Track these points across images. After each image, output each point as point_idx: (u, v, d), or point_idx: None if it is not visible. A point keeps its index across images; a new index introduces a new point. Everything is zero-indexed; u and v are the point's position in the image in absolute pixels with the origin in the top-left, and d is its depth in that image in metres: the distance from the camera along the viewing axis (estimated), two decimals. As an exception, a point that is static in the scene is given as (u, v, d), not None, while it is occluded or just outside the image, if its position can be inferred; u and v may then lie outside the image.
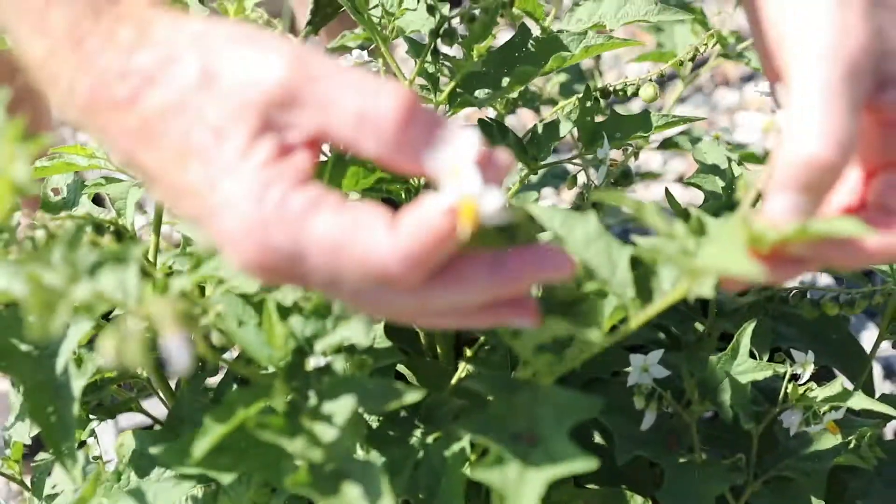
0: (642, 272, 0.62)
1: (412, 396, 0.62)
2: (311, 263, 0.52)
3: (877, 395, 1.35)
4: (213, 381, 1.01)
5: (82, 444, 1.12)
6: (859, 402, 0.94)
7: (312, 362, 0.66)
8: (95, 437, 1.10)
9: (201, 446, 0.61)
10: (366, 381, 0.64)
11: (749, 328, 0.98)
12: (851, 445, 1.02)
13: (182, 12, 0.57)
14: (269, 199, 0.52)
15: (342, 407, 0.63)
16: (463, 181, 0.51)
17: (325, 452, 0.61)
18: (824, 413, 0.95)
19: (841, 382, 0.96)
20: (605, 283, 0.62)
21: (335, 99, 0.53)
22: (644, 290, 0.62)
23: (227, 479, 0.68)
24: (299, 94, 0.53)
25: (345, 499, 0.59)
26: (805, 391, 0.95)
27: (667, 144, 1.26)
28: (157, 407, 1.12)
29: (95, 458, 1.12)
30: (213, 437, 0.61)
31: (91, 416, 1.07)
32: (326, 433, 0.62)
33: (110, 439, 1.30)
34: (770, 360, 1.06)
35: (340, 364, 0.67)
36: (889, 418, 1.12)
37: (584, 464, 0.60)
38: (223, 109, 0.53)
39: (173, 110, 0.53)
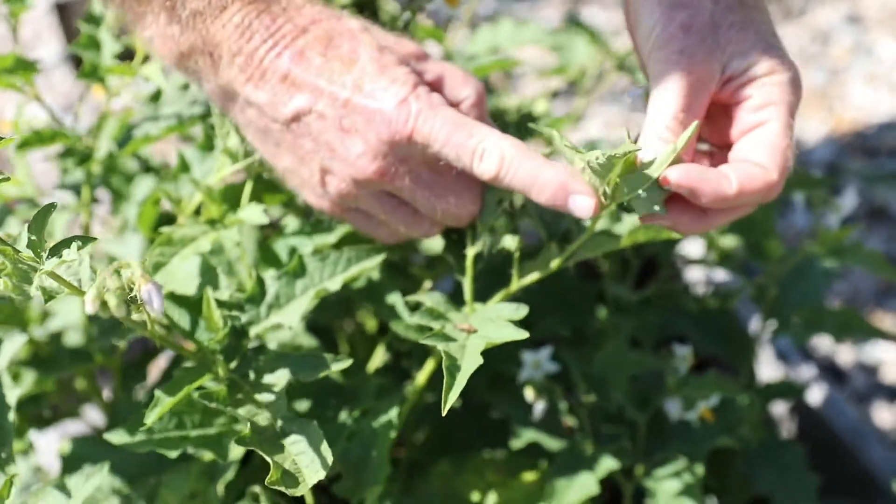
0: None
1: (339, 365, 0.71)
2: (432, 133, 0.77)
3: (766, 378, 1.47)
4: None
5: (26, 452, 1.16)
6: (729, 391, 1.04)
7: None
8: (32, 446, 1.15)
9: (153, 415, 0.68)
10: (298, 354, 0.72)
11: (631, 325, 1.08)
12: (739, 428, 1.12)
13: None
14: (418, 90, 0.78)
15: (279, 377, 0.72)
16: None
17: (267, 414, 0.69)
18: (697, 402, 1.05)
19: (713, 373, 1.06)
20: None
21: (446, 63, 0.84)
22: None
23: (174, 454, 0.75)
24: (427, 57, 0.83)
25: (288, 454, 0.68)
26: (682, 382, 1.05)
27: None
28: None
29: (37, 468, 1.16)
30: (164, 408, 0.68)
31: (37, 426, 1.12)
32: (268, 399, 0.70)
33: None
34: (660, 350, 1.16)
35: (274, 345, 0.75)
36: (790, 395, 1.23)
37: (514, 333, 0.75)
38: (389, 40, 0.82)
39: (359, 37, 0.80)
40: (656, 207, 0.76)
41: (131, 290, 0.61)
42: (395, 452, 1.11)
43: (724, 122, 0.82)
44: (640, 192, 0.75)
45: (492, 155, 0.77)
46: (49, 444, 1.32)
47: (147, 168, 1.22)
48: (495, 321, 0.77)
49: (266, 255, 0.90)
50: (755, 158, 0.78)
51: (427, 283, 1.02)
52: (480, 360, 0.72)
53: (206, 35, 0.78)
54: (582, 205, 0.77)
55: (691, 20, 0.78)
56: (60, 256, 0.59)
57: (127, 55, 1.04)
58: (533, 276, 0.84)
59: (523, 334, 0.74)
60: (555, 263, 0.83)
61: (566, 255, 0.83)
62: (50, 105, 1.06)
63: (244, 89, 0.79)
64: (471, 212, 0.83)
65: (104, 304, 0.60)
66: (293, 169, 0.83)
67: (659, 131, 0.77)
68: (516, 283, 0.85)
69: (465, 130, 0.77)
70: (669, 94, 0.77)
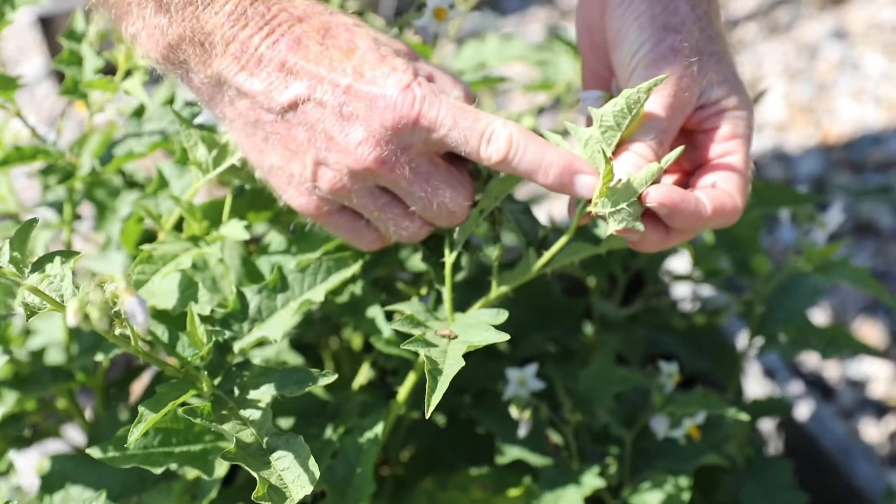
0: None
1: (325, 379, 0.71)
2: (439, 117, 0.78)
3: (753, 394, 1.47)
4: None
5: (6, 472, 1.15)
6: (716, 408, 1.04)
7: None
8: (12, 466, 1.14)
9: (136, 431, 0.67)
10: (283, 369, 0.71)
11: (618, 341, 1.07)
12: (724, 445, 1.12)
13: None
14: (419, 79, 0.78)
15: (264, 393, 0.71)
16: None
17: (252, 430, 0.68)
18: (683, 419, 1.04)
19: (700, 390, 1.06)
20: None
21: (435, 65, 0.85)
22: None
23: (158, 470, 0.74)
24: (418, 56, 0.84)
25: (274, 469, 0.67)
26: (668, 399, 1.05)
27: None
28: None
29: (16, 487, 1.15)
30: (148, 424, 0.67)
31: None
32: (253, 415, 0.69)
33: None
34: (647, 366, 1.15)
35: (258, 360, 0.74)
36: (778, 412, 1.22)
37: (495, 336, 0.75)
38: (381, 37, 0.82)
39: (354, 29, 0.80)
40: (636, 223, 0.78)
41: (114, 303, 0.60)
42: (380, 470, 1.11)
43: (681, 145, 0.84)
44: (625, 205, 0.76)
45: (500, 137, 0.78)
46: (30, 464, 1.31)
47: (132, 183, 1.21)
48: (475, 326, 0.77)
49: (250, 272, 0.90)
50: (723, 186, 0.82)
51: (413, 300, 1.01)
52: (462, 363, 0.72)
53: (197, 24, 0.77)
54: (587, 183, 0.79)
55: (680, 45, 0.81)
56: (43, 271, 0.59)
57: (110, 70, 1.03)
58: (512, 283, 0.84)
59: (504, 336, 0.75)
60: (534, 269, 0.84)
61: (544, 260, 0.83)
62: (34, 121, 1.05)
63: (237, 78, 0.78)
64: (464, 208, 0.83)
65: (87, 316, 0.59)
66: (281, 165, 0.82)
67: (641, 149, 0.79)
68: (495, 291, 0.85)
69: (471, 115, 0.79)
70: (654, 114, 0.80)
